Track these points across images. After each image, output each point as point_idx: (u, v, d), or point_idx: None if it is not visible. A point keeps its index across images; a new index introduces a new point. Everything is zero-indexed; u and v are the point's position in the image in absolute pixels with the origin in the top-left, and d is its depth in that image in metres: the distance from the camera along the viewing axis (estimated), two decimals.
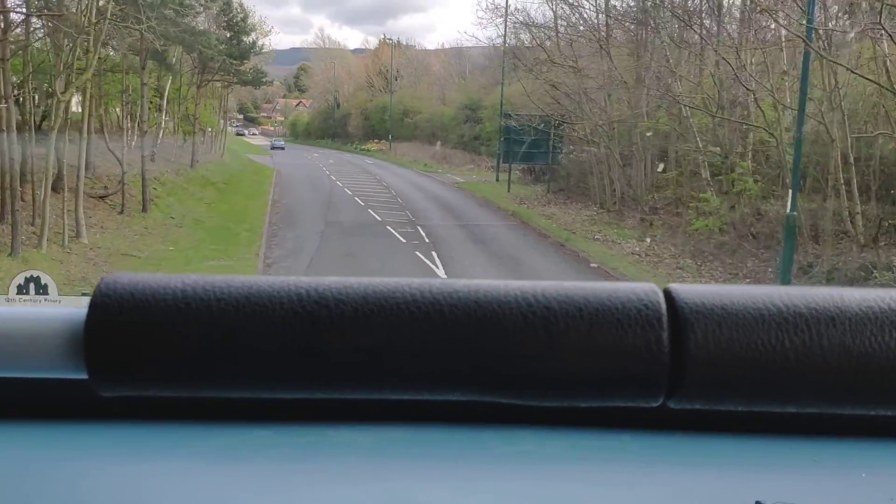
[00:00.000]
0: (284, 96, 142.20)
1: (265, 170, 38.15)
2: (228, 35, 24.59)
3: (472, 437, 0.79)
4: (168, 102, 25.52)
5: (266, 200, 24.75)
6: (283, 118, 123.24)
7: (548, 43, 27.70)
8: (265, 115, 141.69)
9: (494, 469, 0.76)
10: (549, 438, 0.79)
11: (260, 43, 28.80)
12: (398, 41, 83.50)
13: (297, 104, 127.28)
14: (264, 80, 25.99)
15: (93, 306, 0.51)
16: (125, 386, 0.52)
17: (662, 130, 19.57)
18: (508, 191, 28.76)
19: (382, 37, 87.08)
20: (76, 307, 0.54)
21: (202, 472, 0.75)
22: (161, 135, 24.58)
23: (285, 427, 0.80)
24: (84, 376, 0.52)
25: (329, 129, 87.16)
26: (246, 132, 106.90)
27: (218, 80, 27.11)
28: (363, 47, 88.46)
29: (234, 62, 25.11)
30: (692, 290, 0.53)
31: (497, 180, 34.35)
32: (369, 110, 74.95)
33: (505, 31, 35.54)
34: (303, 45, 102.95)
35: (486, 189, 31.23)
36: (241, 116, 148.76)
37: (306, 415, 0.81)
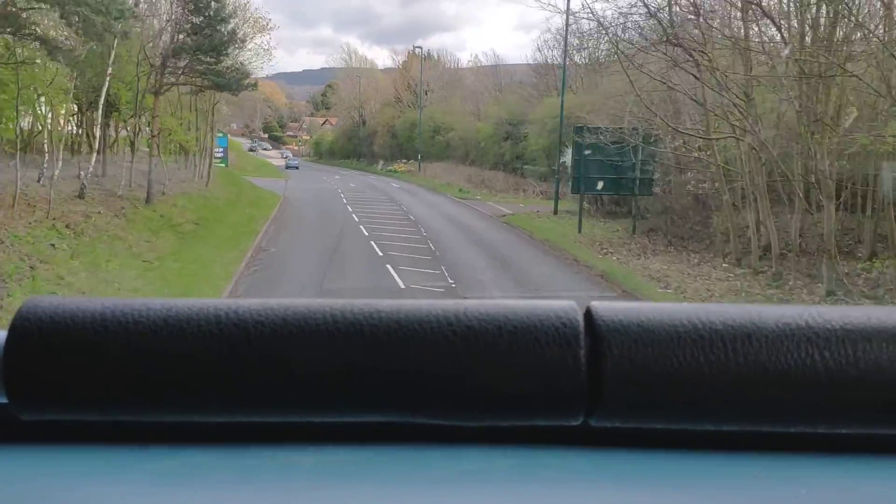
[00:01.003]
0: (311, 114, 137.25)
1: (268, 199, 31.19)
2: (198, 21, 17.71)
3: (415, 456, 0.76)
4: (119, 112, 18.96)
5: (246, 249, 17.64)
6: (308, 137, 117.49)
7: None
8: (291, 133, 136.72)
9: (438, 489, 0.73)
10: (492, 457, 0.76)
11: (247, 37, 21.81)
12: (428, 53, 76.78)
13: (324, 122, 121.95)
14: (245, 82, 18.83)
15: (12, 330, 0.51)
16: (46, 410, 0.52)
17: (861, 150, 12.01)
18: (580, 231, 21.23)
19: (411, 49, 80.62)
20: None
21: (134, 496, 0.70)
22: (95, 157, 17.59)
23: (222, 448, 0.75)
24: (3, 400, 0.51)
25: (354, 149, 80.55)
26: (258, 148, 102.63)
27: (186, 83, 20.28)
28: (392, 67, 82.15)
29: (206, 59, 18.25)
30: (611, 308, 0.54)
31: (555, 213, 26.80)
32: (397, 127, 68.14)
33: (567, 19, 28.20)
34: (333, 66, 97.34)
35: (544, 226, 23.71)
36: (265, 135, 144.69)
37: (244, 436, 0.76)
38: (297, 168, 66.55)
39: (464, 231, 23.55)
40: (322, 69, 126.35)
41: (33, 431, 0.76)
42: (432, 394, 0.52)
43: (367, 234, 21.99)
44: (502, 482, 0.74)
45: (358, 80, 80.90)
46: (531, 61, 62.17)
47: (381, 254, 18.17)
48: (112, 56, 15.95)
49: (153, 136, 18.84)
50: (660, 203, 21.30)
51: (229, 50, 18.23)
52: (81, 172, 17.32)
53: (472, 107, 65.38)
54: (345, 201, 33.44)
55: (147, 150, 22.91)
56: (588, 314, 0.54)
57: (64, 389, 0.51)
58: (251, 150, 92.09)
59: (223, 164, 49.06)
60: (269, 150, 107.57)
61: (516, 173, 46.93)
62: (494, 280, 14.92)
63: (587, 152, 20.73)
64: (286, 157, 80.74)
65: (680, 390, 0.52)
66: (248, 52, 22.81)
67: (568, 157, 27.69)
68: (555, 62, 53.26)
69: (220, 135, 52.50)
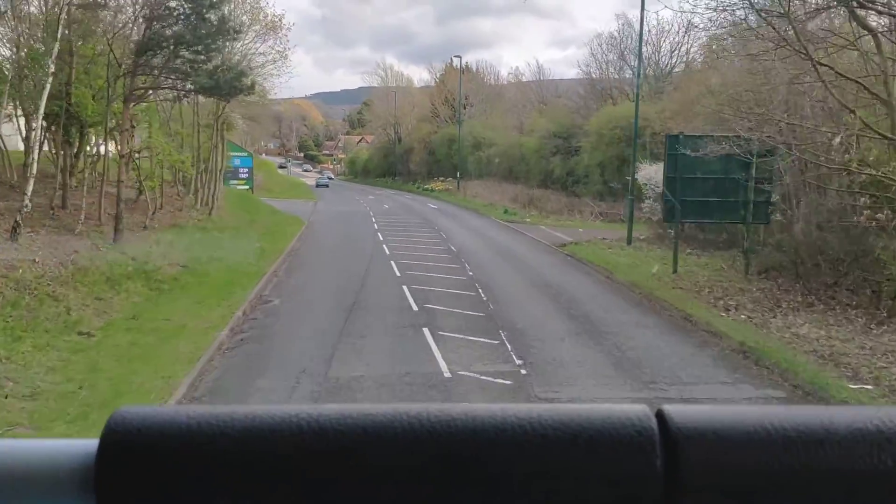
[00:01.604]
0: (347, 133, 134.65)
1: (288, 227, 26.99)
2: (180, 4, 13.47)
3: None
4: (81, 125, 14.94)
5: (241, 301, 13.30)
6: (344, 155, 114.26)
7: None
8: (327, 152, 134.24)
9: None
10: None
11: (244, 27, 17.49)
12: (467, 65, 72.62)
13: (359, 140, 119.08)
14: (242, 85, 14.47)
15: (103, 441, 0.53)
16: None
17: None
18: (675, 271, 16.29)
19: (448, 61, 76.49)
20: (86, 439, 0.56)
21: None
22: (32, 184, 13.33)
23: None
24: None
25: (389, 167, 76.50)
26: (289, 166, 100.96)
27: (165, 87, 16.08)
28: (428, 85, 78.32)
29: (193, 56, 14.00)
30: (684, 412, 0.55)
31: (629, 243, 21.86)
32: (434, 143, 63.76)
33: (642, 17, 23.51)
34: (370, 84, 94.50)
35: (620, 261, 18.80)
36: (301, 154, 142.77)
37: None
38: (327, 186, 64.36)
39: (519, 268, 18.79)
40: (359, 88, 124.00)
41: None
42: (508, 503, 0.52)
43: (398, 273, 17.45)
44: None
45: (393, 96, 77.05)
46: (576, 75, 57.46)
47: (415, 308, 13.56)
48: (55, 50, 11.91)
49: (123, 157, 14.68)
50: (782, 233, 16.25)
51: (219, 43, 14.09)
52: (28, 203, 13.19)
53: (515, 121, 60.82)
54: (376, 227, 29.09)
55: (146, 171, 18.92)
56: (661, 418, 0.54)
57: (152, 500, 0.52)
58: (281, 167, 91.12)
59: (247, 187, 45.53)
60: (310, 169, 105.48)
61: (570, 192, 42.08)
62: (582, 360, 10.12)
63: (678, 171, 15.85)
64: (317, 177, 78.89)
65: (754, 495, 0.52)
66: (256, 53, 18.96)
67: (643, 173, 22.78)
68: (609, 71, 48.37)
69: (245, 154, 49.02)
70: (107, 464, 0.53)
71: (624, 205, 34.65)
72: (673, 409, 0.55)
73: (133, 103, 14.91)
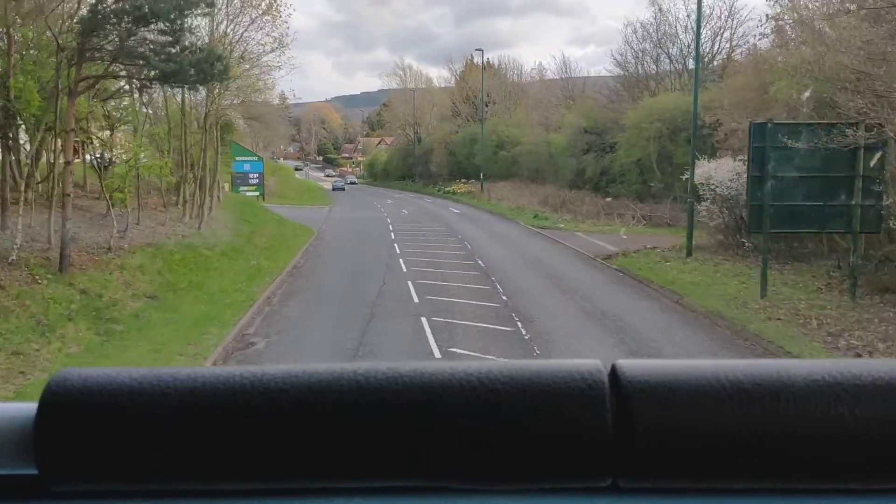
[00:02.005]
0: (367, 134, 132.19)
1: (294, 238, 24.07)
2: None
3: None
4: (23, 122, 12.07)
5: (214, 346, 10.30)
6: (363, 158, 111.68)
7: None
8: (346, 155, 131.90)
9: None
10: None
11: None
12: (488, 62, 69.40)
13: (378, 142, 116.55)
14: (209, 70, 11.52)
15: (42, 403, 0.52)
16: (76, 481, 0.53)
17: None
18: (763, 295, 12.95)
19: (469, 58, 73.31)
20: (25, 402, 0.55)
21: None
22: None
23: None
24: (33, 471, 0.53)
25: (409, 169, 73.44)
26: (305, 169, 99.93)
27: (120, 76, 13.16)
28: (448, 86, 75.26)
29: (155, 36, 11.02)
30: (637, 367, 0.54)
31: (689, 255, 18.50)
32: (455, 143, 60.51)
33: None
34: (390, 87, 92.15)
35: (686, 278, 15.46)
36: (320, 157, 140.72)
37: (269, 493, 0.71)
38: (343, 190, 62.68)
39: (563, 289, 15.55)
40: (379, 91, 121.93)
41: (62, 499, 0.72)
42: (457, 459, 0.52)
43: (416, 298, 14.36)
44: None
45: (412, 95, 74.12)
46: (599, 73, 53.80)
47: (438, 354, 10.46)
48: None
49: (68, 163, 11.78)
50: (892, 244, 12.86)
51: (187, 21, 11.14)
52: None
53: (540, 118, 57.40)
54: (393, 237, 26.06)
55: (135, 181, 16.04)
56: (613, 373, 0.53)
57: (93, 461, 0.51)
58: (297, 169, 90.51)
59: (257, 193, 42.80)
60: (332, 174, 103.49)
61: (600, 192, 38.63)
62: None
63: (773, 165, 12.50)
64: (333, 181, 77.02)
65: (708, 450, 0.51)
66: (254, 44, 16.13)
67: (700, 171, 19.40)
68: (645, 61, 44.78)
69: (255, 158, 46.39)
70: (46, 426, 0.51)
71: (668, 207, 31.38)
72: (626, 364, 0.54)
73: (80, 96, 12.01)
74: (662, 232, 25.94)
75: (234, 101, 22.50)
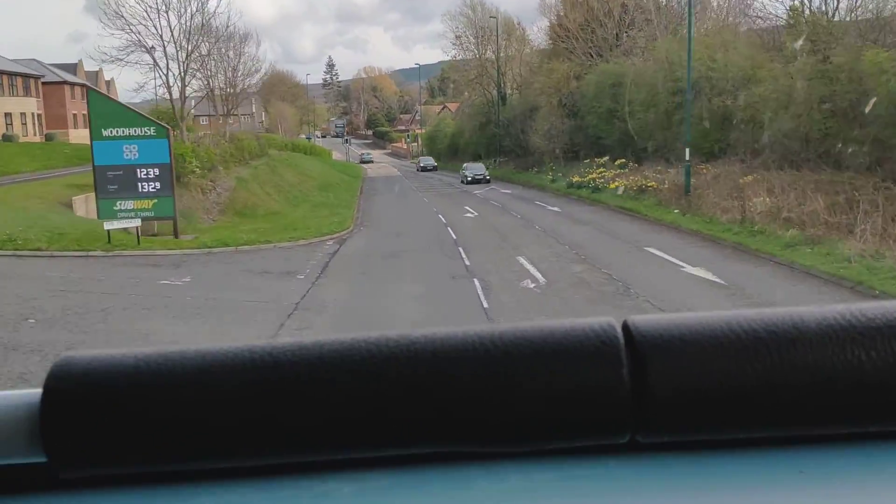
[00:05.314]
0: (426, 102, 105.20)
1: None
2: None
3: (455, 476, 0.74)
4: None
5: None
6: (421, 131, 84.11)
7: None
8: (402, 128, 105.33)
9: None
10: (535, 471, 0.73)
11: None
12: None
13: (441, 109, 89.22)
14: None
15: (47, 388, 0.52)
16: (85, 466, 0.52)
17: None
18: None
19: None
20: (28, 389, 0.54)
21: None
22: None
23: (261, 482, 0.73)
24: (42, 459, 0.52)
25: (490, 142, 47.27)
26: (349, 147, 76.96)
27: None
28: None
29: None
30: (650, 322, 0.54)
31: None
32: (576, 96, 33.71)
33: None
34: (447, 58, 65.60)
35: None
36: (370, 131, 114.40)
37: (281, 468, 0.73)
38: (371, 162, 43.46)
39: None
40: (438, 62, 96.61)
41: (72, 487, 0.72)
42: (472, 424, 0.52)
43: None
44: (548, 498, 0.70)
45: (496, 23, 47.38)
46: None
47: None
48: None
49: None
50: None
51: None
52: None
53: (753, 39, 30.10)
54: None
55: None
56: (626, 330, 0.53)
57: (103, 445, 0.51)
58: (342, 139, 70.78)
59: (149, 215, 17.54)
60: (374, 150, 78.50)
61: None
62: None
63: None
64: (362, 153, 63.82)
65: (726, 401, 0.51)
66: None
67: None
68: None
69: (152, 131, 21.07)
70: (51, 411, 0.51)
71: None
72: (639, 319, 0.54)
73: None
74: None
75: None
